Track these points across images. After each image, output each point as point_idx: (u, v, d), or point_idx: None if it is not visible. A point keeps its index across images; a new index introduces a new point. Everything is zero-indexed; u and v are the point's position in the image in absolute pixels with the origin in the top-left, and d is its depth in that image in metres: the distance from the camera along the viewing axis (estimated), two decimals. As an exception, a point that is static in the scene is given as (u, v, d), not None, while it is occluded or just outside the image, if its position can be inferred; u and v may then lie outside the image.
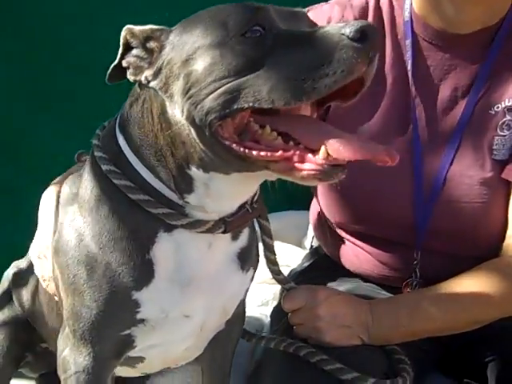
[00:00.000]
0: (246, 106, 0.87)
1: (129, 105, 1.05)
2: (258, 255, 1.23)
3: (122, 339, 1.08)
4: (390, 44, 1.37)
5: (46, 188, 1.32)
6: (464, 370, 1.42)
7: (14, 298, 1.40)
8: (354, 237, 1.46)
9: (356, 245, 1.46)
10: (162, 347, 1.16)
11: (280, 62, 0.86)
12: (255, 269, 1.22)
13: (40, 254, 1.23)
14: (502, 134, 1.29)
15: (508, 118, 1.29)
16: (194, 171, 0.98)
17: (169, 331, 1.10)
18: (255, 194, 1.09)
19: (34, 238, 1.27)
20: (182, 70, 0.93)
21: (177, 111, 0.94)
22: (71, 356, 1.11)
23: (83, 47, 2.40)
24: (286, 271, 1.64)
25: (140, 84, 1.01)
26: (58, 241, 1.11)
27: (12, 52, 2.43)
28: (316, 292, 1.29)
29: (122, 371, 1.27)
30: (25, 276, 1.38)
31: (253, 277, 1.22)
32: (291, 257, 1.95)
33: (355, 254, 1.47)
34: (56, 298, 1.20)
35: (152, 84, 0.98)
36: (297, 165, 0.87)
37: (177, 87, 0.93)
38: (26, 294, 1.38)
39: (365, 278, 1.47)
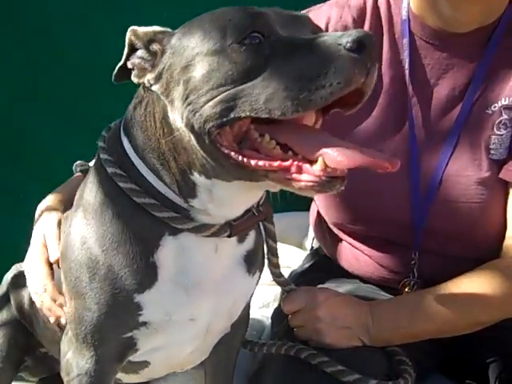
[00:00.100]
0: (243, 115, 0.87)
1: (133, 107, 1.04)
2: (263, 258, 1.23)
3: (124, 342, 1.08)
4: (387, 43, 1.37)
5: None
6: (465, 372, 1.42)
7: (12, 301, 1.40)
8: (352, 238, 1.46)
9: (355, 247, 1.46)
10: (165, 351, 1.15)
11: (277, 71, 0.85)
12: (261, 271, 1.22)
13: (31, 269, 1.23)
14: (499, 133, 1.29)
15: (505, 116, 1.29)
16: (197, 177, 0.97)
17: (172, 334, 1.10)
18: (261, 198, 1.09)
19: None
20: (182, 75, 0.92)
21: (177, 117, 0.94)
22: (74, 359, 1.11)
23: (83, 47, 2.40)
24: (286, 272, 1.63)
25: (144, 86, 1.01)
26: (64, 246, 1.11)
27: (12, 52, 2.44)
28: (316, 294, 1.29)
29: (127, 378, 1.27)
30: (23, 279, 1.38)
31: (259, 279, 1.22)
32: (292, 258, 1.95)
33: (354, 255, 1.47)
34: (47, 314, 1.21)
35: (154, 88, 0.98)
36: (294, 175, 0.87)
37: (177, 93, 0.93)
38: (24, 296, 1.38)
39: (364, 280, 1.46)
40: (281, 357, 1.28)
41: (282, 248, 2.12)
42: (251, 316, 1.64)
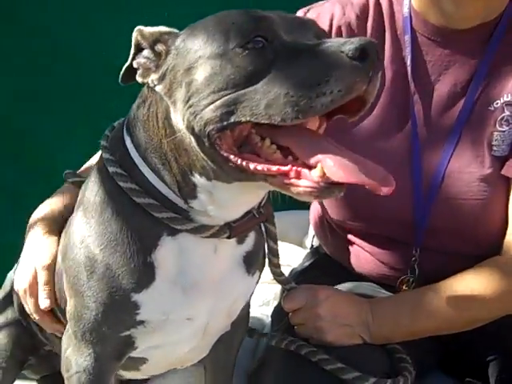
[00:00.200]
0: (244, 119, 0.87)
1: (136, 106, 1.05)
2: (264, 258, 1.23)
3: (122, 340, 1.09)
4: (389, 40, 1.37)
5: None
6: (465, 369, 1.42)
7: (14, 300, 1.40)
8: (353, 235, 1.46)
9: (356, 244, 1.46)
10: (164, 349, 1.16)
11: (279, 76, 0.85)
12: (261, 271, 1.22)
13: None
14: (502, 129, 1.29)
15: (507, 113, 1.29)
16: (197, 178, 0.98)
17: (170, 333, 1.10)
18: (262, 199, 1.09)
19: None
20: (184, 78, 0.92)
21: (179, 118, 0.94)
22: (73, 356, 1.12)
23: (84, 47, 2.41)
24: (286, 270, 1.64)
25: (148, 86, 1.01)
26: (64, 244, 1.12)
27: (13, 53, 2.44)
28: (316, 291, 1.29)
29: (129, 374, 1.28)
30: None
31: (259, 279, 1.22)
32: (292, 256, 1.95)
33: (355, 253, 1.47)
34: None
35: (157, 88, 0.98)
36: (293, 181, 0.87)
37: (179, 94, 0.93)
38: None
39: (365, 278, 1.46)
40: (280, 354, 1.29)
41: (283, 246, 2.11)
42: (251, 314, 1.65)
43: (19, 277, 1.26)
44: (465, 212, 1.30)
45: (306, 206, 1.77)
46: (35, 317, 1.25)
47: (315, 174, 0.85)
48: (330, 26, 1.38)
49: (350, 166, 0.86)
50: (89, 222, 1.05)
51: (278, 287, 1.72)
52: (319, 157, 0.86)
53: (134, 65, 1.01)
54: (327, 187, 0.85)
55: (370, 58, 0.82)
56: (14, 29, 2.43)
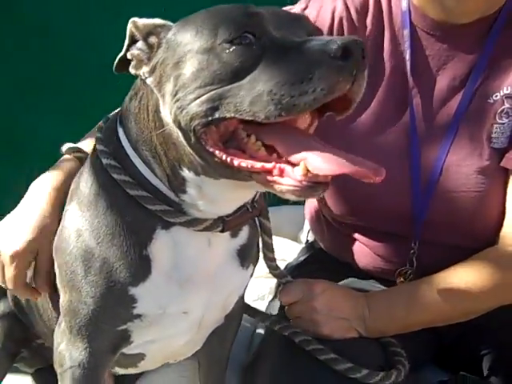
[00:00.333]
0: (228, 115, 0.87)
1: (129, 98, 1.05)
2: (258, 251, 1.23)
3: (118, 334, 1.09)
4: (388, 34, 1.37)
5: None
6: (460, 363, 1.43)
7: (8, 293, 1.39)
8: (351, 229, 1.46)
9: (353, 238, 1.46)
10: (159, 343, 1.16)
11: (263, 73, 0.85)
12: (255, 265, 1.22)
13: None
14: (501, 121, 1.29)
15: (507, 105, 1.29)
16: (186, 173, 0.98)
17: (166, 327, 1.10)
18: (255, 194, 1.09)
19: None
20: (173, 71, 0.92)
21: (167, 112, 0.94)
22: (67, 350, 1.11)
23: (82, 43, 2.40)
24: (281, 265, 1.62)
25: (141, 78, 1.01)
26: (58, 239, 1.11)
27: (12, 50, 2.43)
28: (312, 285, 1.29)
29: (124, 370, 1.28)
30: None
31: (253, 273, 1.22)
32: (287, 251, 1.95)
33: (352, 247, 1.47)
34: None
35: (148, 81, 0.98)
36: (276, 178, 0.87)
37: (168, 88, 0.93)
38: None
39: (362, 271, 1.47)
40: (275, 348, 1.29)
41: (277, 241, 2.11)
42: (246, 308, 1.65)
43: (7, 237, 1.17)
44: (463, 205, 1.30)
45: (301, 201, 1.77)
46: (8, 287, 1.18)
47: (298, 172, 0.85)
48: (332, 18, 1.38)
49: (335, 159, 0.86)
50: (84, 216, 1.05)
51: (273, 282, 1.72)
52: (302, 155, 0.86)
53: (128, 56, 1.01)
54: (310, 186, 0.85)
55: (353, 56, 0.81)
56: (13, 27, 2.42)
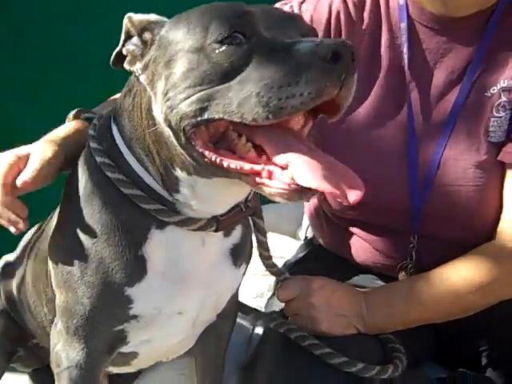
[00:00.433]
0: (217, 116, 0.86)
1: (123, 95, 1.04)
2: (251, 249, 1.23)
3: (115, 335, 1.08)
4: (385, 28, 1.36)
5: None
6: (459, 360, 1.43)
7: (1, 291, 1.39)
8: (350, 224, 1.46)
9: (352, 233, 1.46)
10: (154, 342, 1.16)
11: (252, 75, 0.84)
12: (248, 263, 1.22)
13: None
14: (498, 115, 1.29)
15: (503, 99, 1.28)
16: (179, 172, 0.97)
17: (161, 327, 1.10)
18: (249, 194, 1.08)
19: None
20: (164, 70, 0.92)
21: (158, 111, 0.93)
22: (64, 351, 1.11)
23: (80, 40, 2.40)
24: (280, 262, 1.63)
25: (135, 75, 1.00)
26: (53, 237, 1.10)
27: (9, 50, 2.43)
28: (310, 282, 1.29)
29: (117, 369, 1.27)
30: (12, 268, 1.38)
31: (245, 271, 1.22)
32: (286, 248, 1.95)
33: (351, 242, 1.47)
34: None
35: (141, 78, 0.97)
36: (265, 180, 0.86)
37: (159, 86, 0.92)
38: (13, 286, 1.37)
39: (361, 267, 1.46)
40: (273, 348, 1.29)
41: (276, 238, 2.12)
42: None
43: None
44: (461, 199, 1.30)
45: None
46: None
47: (286, 175, 0.84)
48: (329, 12, 1.37)
49: (318, 172, 0.84)
50: (79, 215, 1.04)
51: (271, 279, 1.71)
52: (289, 159, 0.85)
53: (123, 51, 1.00)
54: (298, 190, 0.84)
55: (342, 60, 0.80)
56: (5, 22, 2.42)
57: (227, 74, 0.85)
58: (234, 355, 1.46)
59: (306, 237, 1.77)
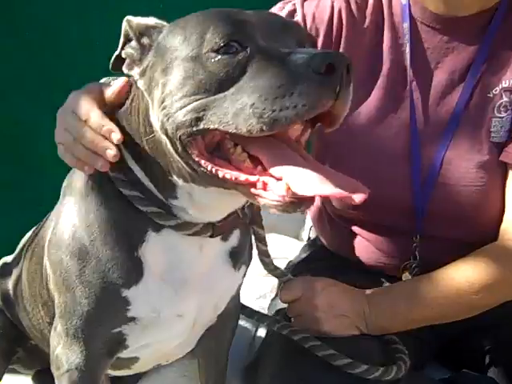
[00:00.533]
0: (212, 126, 0.86)
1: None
2: (251, 251, 1.23)
3: (113, 337, 1.08)
4: (387, 27, 1.36)
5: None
6: (462, 361, 1.42)
7: None
8: (353, 224, 1.45)
9: (355, 233, 1.46)
10: (154, 346, 1.15)
11: (247, 85, 0.83)
12: (248, 266, 1.22)
13: None
14: (500, 115, 1.29)
15: (505, 99, 1.28)
16: (176, 179, 0.97)
17: (161, 330, 1.10)
18: (247, 201, 1.07)
19: None
20: (161, 77, 0.91)
21: (155, 118, 0.93)
22: (64, 354, 1.11)
23: (81, 40, 2.40)
24: (283, 263, 1.64)
25: (134, 80, 1.00)
26: (53, 236, 1.10)
27: (12, 50, 2.43)
28: (313, 283, 1.29)
29: (117, 372, 1.27)
30: (8, 269, 1.38)
31: (245, 273, 1.22)
32: (289, 249, 1.95)
33: (354, 242, 1.46)
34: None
35: (139, 83, 0.97)
36: (260, 192, 0.86)
37: (156, 94, 0.92)
38: (9, 286, 1.37)
39: (364, 268, 1.46)
40: (277, 348, 1.29)
41: (279, 239, 2.12)
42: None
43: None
44: (463, 199, 1.30)
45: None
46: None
47: (282, 187, 0.84)
48: (332, 9, 1.37)
49: (317, 178, 0.84)
50: (79, 213, 1.04)
51: (274, 280, 1.71)
52: (285, 171, 0.85)
53: (122, 55, 1.00)
54: (293, 202, 0.83)
55: (337, 72, 0.80)
56: (10, 22, 2.42)
57: (223, 84, 0.85)
58: (236, 356, 1.46)
59: (309, 237, 1.76)
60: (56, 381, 1.14)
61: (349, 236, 1.48)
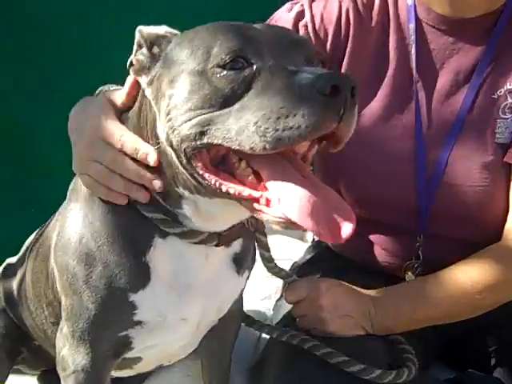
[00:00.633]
0: (216, 142, 0.86)
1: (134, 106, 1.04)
2: (254, 255, 1.23)
3: (119, 340, 1.08)
4: (393, 28, 1.37)
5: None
6: (467, 361, 1.42)
7: (1, 292, 1.39)
8: (357, 224, 1.45)
9: (360, 233, 1.45)
10: (158, 347, 1.16)
11: (251, 103, 0.83)
12: (251, 269, 1.22)
13: None
14: (505, 117, 1.29)
15: (510, 100, 1.29)
16: (181, 190, 0.97)
17: (166, 333, 1.11)
18: None
19: None
20: (167, 89, 0.91)
21: (161, 129, 0.93)
22: (70, 355, 1.11)
23: (84, 42, 2.40)
24: (288, 265, 1.64)
25: (142, 88, 1.00)
26: (59, 240, 1.10)
27: (12, 50, 2.44)
28: (318, 283, 1.29)
29: (119, 373, 1.27)
30: (12, 269, 1.38)
31: (248, 277, 1.22)
32: (293, 250, 1.95)
33: (359, 242, 1.46)
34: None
35: (146, 92, 0.97)
36: (263, 207, 0.86)
37: (163, 105, 0.92)
38: (13, 287, 1.37)
39: (368, 268, 1.46)
40: (283, 347, 1.28)
41: (284, 241, 2.12)
42: (253, 308, 1.65)
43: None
44: (468, 199, 1.30)
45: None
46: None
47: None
48: (339, 10, 1.37)
49: (304, 208, 0.83)
50: (85, 219, 1.05)
51: (279, 281, 1.71)
52: (281, 191, 0.85)
53: (133, 61, 1.00)
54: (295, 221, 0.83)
55: (341, 95, 0.79)
56: (10, 22, 2.42)
57: (228, 100, 0.85)
58: (241, 357, 1.46)
59: (314, 239, 1.77)
60: (62, 382, 1.14)
61: (353, 236, 1.47)
